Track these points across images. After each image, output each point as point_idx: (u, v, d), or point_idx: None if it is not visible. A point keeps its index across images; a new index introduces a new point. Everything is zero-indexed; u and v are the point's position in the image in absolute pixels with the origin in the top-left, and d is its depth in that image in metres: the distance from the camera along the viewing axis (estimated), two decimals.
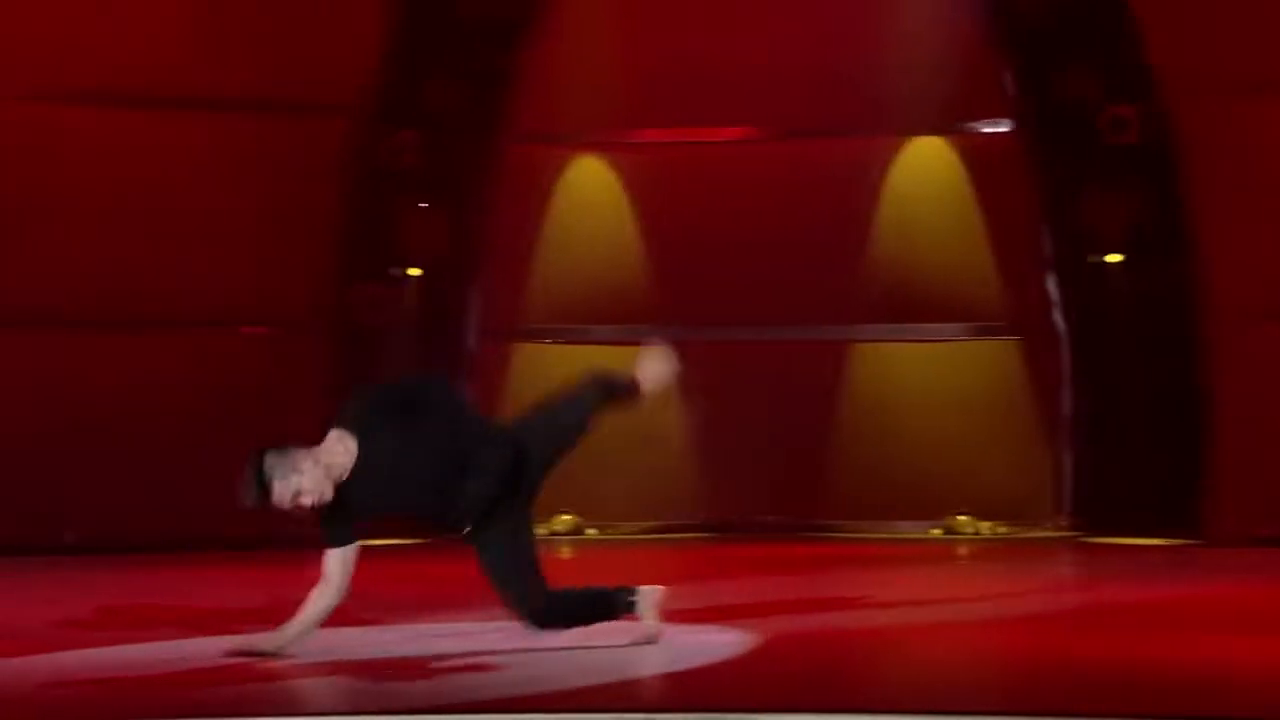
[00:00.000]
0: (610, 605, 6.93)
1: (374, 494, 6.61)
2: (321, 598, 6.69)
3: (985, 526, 12.97)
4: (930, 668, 6.76)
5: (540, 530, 12.81)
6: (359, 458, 6.59)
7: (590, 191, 13.61)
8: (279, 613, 6.97)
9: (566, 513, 12.90)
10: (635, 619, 6.93)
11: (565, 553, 12.14)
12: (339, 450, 6.59)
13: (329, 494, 6.55)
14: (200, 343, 12.45)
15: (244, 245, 12.32)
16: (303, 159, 12.49)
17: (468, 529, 6.72)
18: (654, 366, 7.17)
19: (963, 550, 12.36)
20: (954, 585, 10.03)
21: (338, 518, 6.65)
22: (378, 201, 12.85)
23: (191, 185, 12.25)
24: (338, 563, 6.66)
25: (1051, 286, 13.02)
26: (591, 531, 13.11)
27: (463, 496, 6.60)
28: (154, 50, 12.05)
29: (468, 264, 13.22)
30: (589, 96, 13.45)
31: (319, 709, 6.09)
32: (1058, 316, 13.03)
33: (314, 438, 11.44)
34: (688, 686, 6.38)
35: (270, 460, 6.53)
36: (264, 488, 6.51)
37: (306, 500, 6.51)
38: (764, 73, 13.16)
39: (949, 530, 12.99)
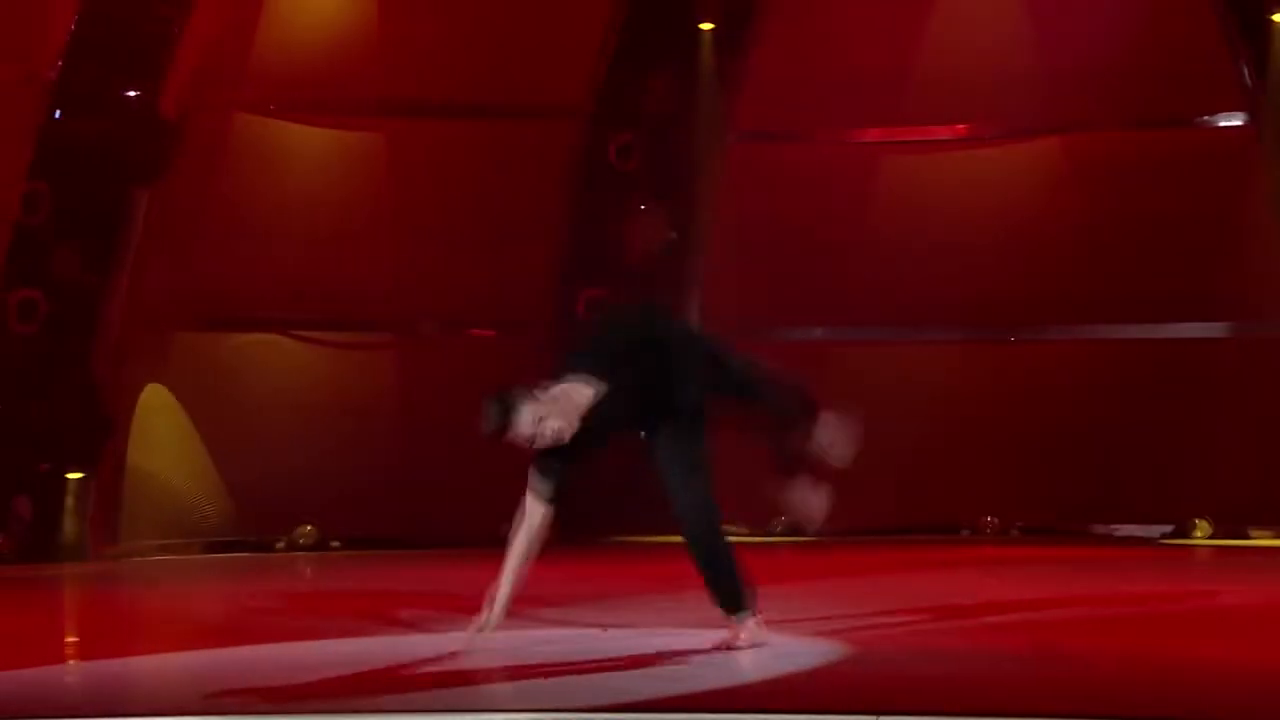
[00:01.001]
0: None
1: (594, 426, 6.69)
2: (521, 547, 6.80)
3: (1222, 531, 12.60)
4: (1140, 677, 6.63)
5: (762, 532, 13.00)
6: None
7: (811, 190, 13.57)
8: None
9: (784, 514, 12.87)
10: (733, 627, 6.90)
11: (790, 552, 12.13)
12: (586, 393, 6.66)
13: (573, 428, 6.63)
14: (431, 345, 12.74)
15: (473, 249, 12.57)
16: (529, 163, 12.70)
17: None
18: (835, 438, 7.06)
19: (1196, 555, 12.07)
20: (1178, 591, 9.81)
21: (552, 465, 6.77)
22: (603, 203, 12.98)
23: (421, 190, 12.54)
24: (540, 512, 6.79)
25: None
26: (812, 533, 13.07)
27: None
28: (383, 60, 12.36)
29: (689, 263, 13.30)
30: (811, 95, 13.43)
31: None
32: None
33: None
34: (897, 687, 6.35)
35: (514, 392, 6.63)
36: (506, 414, 6.60)
37: (552, 427, 6.58)
38: (987, 70, 13.00)
39: (1184, 534, 12.65)
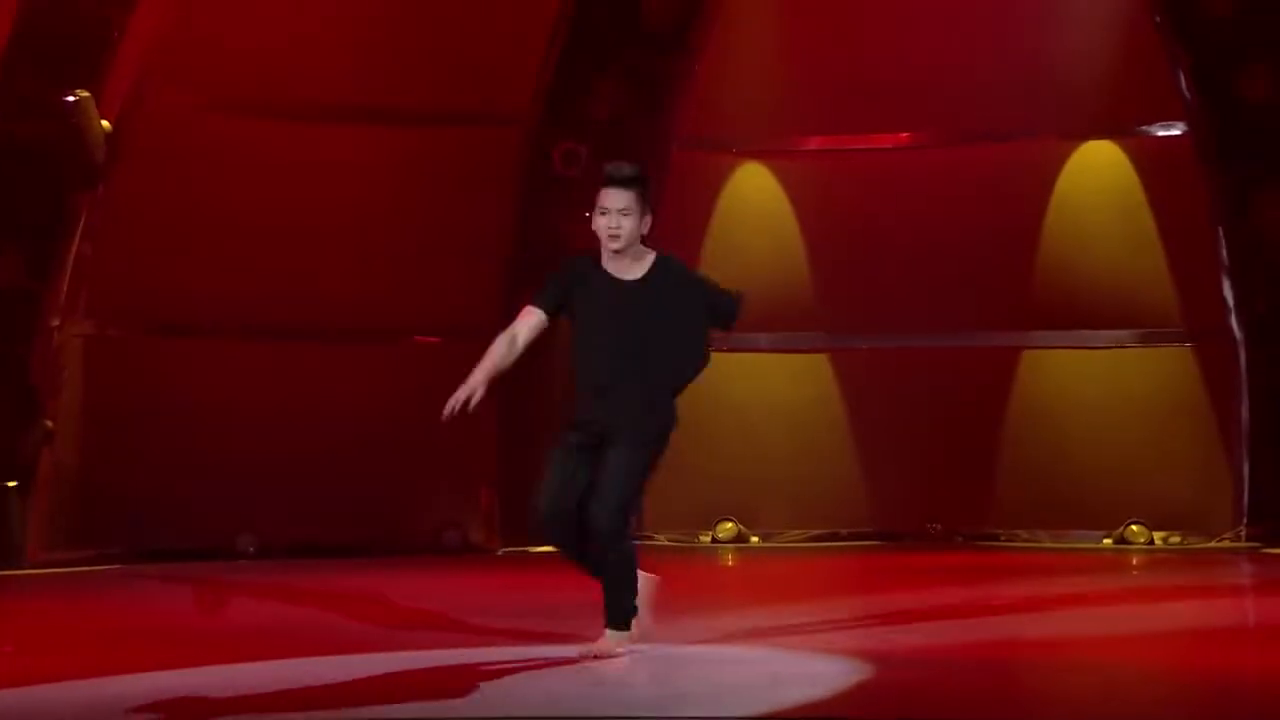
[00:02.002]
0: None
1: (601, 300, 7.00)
2: (499, 344, 7.22)
3: (1158, 536, 12.74)
4: (1094, 682, 6.68)
5: (703, 537, 13.06)
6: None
7: (754, 198, 13.61)
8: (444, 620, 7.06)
9: (729, 520, 12.87)
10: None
11: (729, 560, 12.14)
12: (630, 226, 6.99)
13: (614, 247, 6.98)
14: (376, 352, 12.69)
15: (418, 256, 12.53)
16: (474, 169, 12.68)
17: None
18: None
19: (1135, 560, 12.17)
20: (1123, 595, 9.89)
21: (559, 288, 7.07)
22: (547, 210, 12.95)
23: (365, 197, 12.49)
24: (528, 324, 7.13)
25: (1227, 291, 12.77)
26: (755, 539, 13.10)
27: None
28: (327, 63, 12.30)
29: None
30: (753, 103, 13.48)
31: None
32: (1234, 321, 12.78)
33: (484, 451, 11.54)
34: (846, 699, 6.37)
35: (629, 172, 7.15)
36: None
37: (612, 228, 7.01)
38: (929, 77, 13.07)
39: (1121, 540, 12.78)
